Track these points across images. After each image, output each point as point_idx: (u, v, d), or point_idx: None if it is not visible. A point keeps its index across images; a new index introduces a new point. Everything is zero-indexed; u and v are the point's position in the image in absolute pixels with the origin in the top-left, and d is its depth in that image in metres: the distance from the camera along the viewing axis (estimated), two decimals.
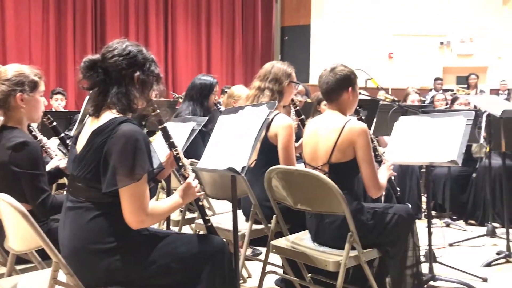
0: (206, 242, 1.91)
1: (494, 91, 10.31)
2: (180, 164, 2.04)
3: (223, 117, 2.36)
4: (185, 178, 2.01)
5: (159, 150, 2.12)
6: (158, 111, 2.01)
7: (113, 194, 1.73)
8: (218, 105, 3.99)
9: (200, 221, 2.54)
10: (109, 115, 1.80)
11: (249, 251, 3.55)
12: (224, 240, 2.07)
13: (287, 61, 2.97)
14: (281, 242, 2.49)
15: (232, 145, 2.14)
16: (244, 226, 2.68)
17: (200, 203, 2.09)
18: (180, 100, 6.25)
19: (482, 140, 4.28)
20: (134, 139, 1.72)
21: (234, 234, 2.20)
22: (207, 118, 2.59)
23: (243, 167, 1.98)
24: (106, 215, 1.77)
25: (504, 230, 3.66)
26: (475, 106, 4.20)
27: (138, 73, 1.84)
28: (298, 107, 3.24)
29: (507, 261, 3.52)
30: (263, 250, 3.12)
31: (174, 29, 10.37)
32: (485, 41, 11.62)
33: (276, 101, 2.49)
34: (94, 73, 1.82)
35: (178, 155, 2.04)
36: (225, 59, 11.26)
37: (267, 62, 2.99)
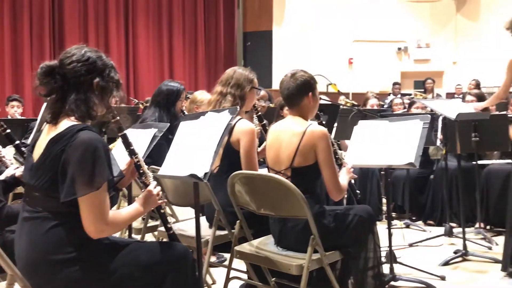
0: (169, 250, 1.90)
1: (450, 95, 10.68)
2: (141, 171, 2.02)
3: (184, 123, 2.35)
4: (147, 185, 1.99)
5: (120, 157, 2.09)
6: (118, 117, 1.98)
7: (71, 203, 1.69)
8: (185, 111, 3.97)
9: (163, 228, 2.52)
10: (67, 122, 1.77)
11: (213, 258, 3.54)
12: (188, 247, 2.06)
13: (250, 66, 3.00)
14: (244, 247, 2.50)
15: (193, 151, 2.13)
16: (208, 233, 2.67)
17: (162, 211, 2.07)
18: (141, 106, 6.17)
19: (438, 142, 4.44)
20: (93, 147, 1.70)
21: (197, 240, 2.19)
22: (168, 124, 2.57)
23: (205, 173, 1.98)
24: (65, 225, 1.73)
25: (460, 229, 3.79)
26: (431, 110, 4.33)
27: (97, 79, 1.82)
28: (260, 113, 3.26)
29: (464, 259, 3.65)
30: (228, 256, 3.11)
31: (135, 35, 10.23)
32: (441, 46, 12.03)
33: (238, 107, 2.50)
34: (51, 80, 1.79)
35: (138, 163, 2.02)
36: (188, 64, 11.20)
37: (230, 67, 3.00)
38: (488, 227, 4.45)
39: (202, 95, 3.99)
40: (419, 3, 12.04)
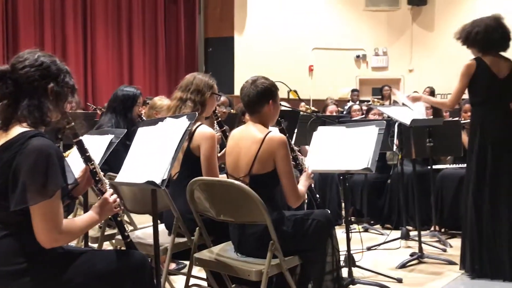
0: (126, 258, 1.86)
1: None
2: (97, 178, 1.97)
3: (142, 129, 2.32)
4: (103, 193, 1.95)
5: (76, 164, 2.04)
6: (73, 123, 1.94)
7: (22, 212, 1.64)
8: (142, 117, 3.92)
9: (121, 236, 2.47)
10: (18, 129, 1.71)
11: (173, 265, 3.50)
12: (147, 255, 2.02)
13: (211, 72, 2.99)
14: (204, 254, 2.48)
15: (151, 157, 2.11)
16: (167, 240, 2.64)
17: (119, 219, 2.03)
18: (99, 111, 6.05)
19: (395, 148, 4.55)
20: (46, 154, 1.65)
21: (155, 248, 2.16)
22: (125, 130, 2.53)
23: (163, 180, 1.96)
24: (15, 235, 1.67)
25: (417, 232, 3.89)
26: (388, 116, 4.45)
27: (51, 84, 1.77)
28: (220, 118, 3.26)
29: (420, 262, 3.74)
30: (188, 263, 3.08)
31: (93, 38, 10.01)
32: (398, 55, 12.38)
33: (197, 113, 2.49)
34: (3, 85, 1.73)
35: (94, 170, 1.97)
36: (148, 69, 11.06)
37: (191, 73, 2.99)
38: (442, 229, 4.60)
39: (161, 101, 3.96)
40: (376, 12, 12.36)
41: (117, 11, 10.45)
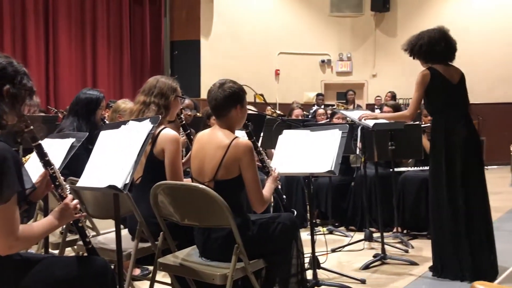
0: (87, 264, 1.82)
1: (370, 106, 11.21)
2: (57, 183, 1.92)
3: (104, 132, 2.28)
4: (63, 198, 1.91)
5: (36, 168, 1.99)
6: (32, 127, 1.88)
7: None
8: (105, 120, 3.85)
9: (82, 242, 2.42)
10: None
11: (137, 271, 3.45)
12: (110, 261, 1.99)
13: (177, 75, 2.97)
14: (168, 259, 2.45)
15: (113, 161, 2.07)
16: (131, 245, 2.60)
17: (80, 224, 1.99)
18: (60, 115, 5.92)
19: (358, 151, 4.63)
20: (1, 158, 1.60)
21: (118, 254, 2.13)
22: (87, 134, 2.48)
23: (125, 184, 1.93)
24: None
25: (380, 234, 3.97)
26: (352, 120, 4.52)
27: (7, 86, 1.72)
28: (184, 122, 3.24)
29: (383, 263, 3.82)
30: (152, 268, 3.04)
31: (56, 40, 9.74)
32: (361, 60, 12.63)
33: (160, 116, 2.46)
34: None
35: (54, 174, 1.92)
36: (112, 72, 10.86)
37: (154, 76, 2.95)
38: (405, 231, 4.70)
39: (125, 104, 3.89)
40: (340, 18, 12.58)
41: (81, 12, 10.22)
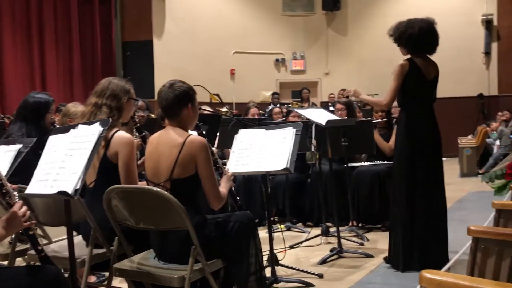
0: (37, 274, 1.77)
1: (324, 103, 11.40)
2: (4, 191, 1.86)
3: (53, 137, 2.21)
4: (11, 206, 1.84)
5: None
6: None
7: None
8: (55, 124, 3.73)
9: (33, 251, 2.34)
10: None
11: (94, 278, 3.37)
12: (64, 269, 1.93)
13: (130, 76, 2.92)
14: (124, 264, 2.41)
15: (63, 166, 2.02)
16: (85, 252, 2.53)
17: (31, 232, 1.93)
18: (7, 120, 5.69)
19: (313, 148, 4.71)
20: None
21: (70, 261, 2.07)
22: (35, 139, 2.40)
23: (76, 190, 1.88)
24: None
25: (336, 228, 4.05)
26: (306, 118, 4.59)
27: None
28: (138, 124, 3.19)
29: (339, 257, 3.90)
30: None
31: (0, 41, 9.36)
32: (315, 58, 12.83)
33: (112, 118, 2.42)
34: None
35: (0, 182, 1.85)
36: (62, 75, 10.52)
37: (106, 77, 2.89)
38: (360, 224, 4.82)
39: (75, 107, 3.79)
40: (293, 17, 12.73)
41: (26, 13, 9.83)
